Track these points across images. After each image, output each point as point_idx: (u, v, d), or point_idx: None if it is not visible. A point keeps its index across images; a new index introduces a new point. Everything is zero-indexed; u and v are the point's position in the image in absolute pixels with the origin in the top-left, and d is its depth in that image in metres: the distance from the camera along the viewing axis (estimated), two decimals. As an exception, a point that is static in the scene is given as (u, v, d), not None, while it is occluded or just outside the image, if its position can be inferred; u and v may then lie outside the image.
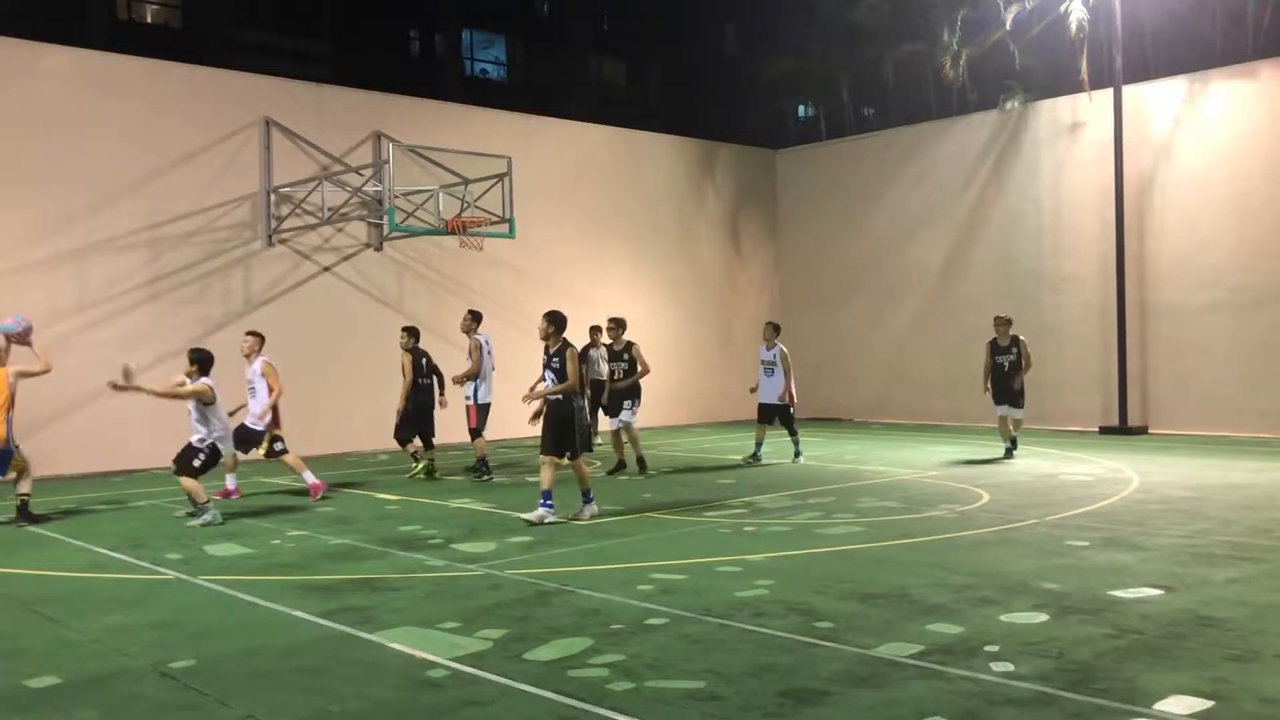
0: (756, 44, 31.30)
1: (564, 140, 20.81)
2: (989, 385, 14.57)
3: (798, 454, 14.48)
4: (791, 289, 24.00)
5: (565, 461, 9.92)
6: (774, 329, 14.68)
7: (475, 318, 13.38)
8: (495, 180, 15.77)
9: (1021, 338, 14.57)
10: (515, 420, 15.96)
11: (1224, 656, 5.32)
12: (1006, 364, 14.38)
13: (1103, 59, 19.23)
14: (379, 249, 17.88)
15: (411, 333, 13.49)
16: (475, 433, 13.17)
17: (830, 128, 25.30)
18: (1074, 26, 19.08)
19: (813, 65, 24.81)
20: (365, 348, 17.22)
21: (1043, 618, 6.13)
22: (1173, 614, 6.15)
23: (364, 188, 16.11)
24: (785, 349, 14.49)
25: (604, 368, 15.91)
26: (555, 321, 9.91)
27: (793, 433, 14.60)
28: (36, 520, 10.45)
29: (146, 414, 15.45)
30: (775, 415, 14.49)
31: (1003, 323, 14.58)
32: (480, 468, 13.10)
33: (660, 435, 17.80)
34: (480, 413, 13.13)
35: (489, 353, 13.29)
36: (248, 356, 11.88)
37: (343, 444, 16.65)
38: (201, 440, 10.22)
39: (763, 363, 14.52)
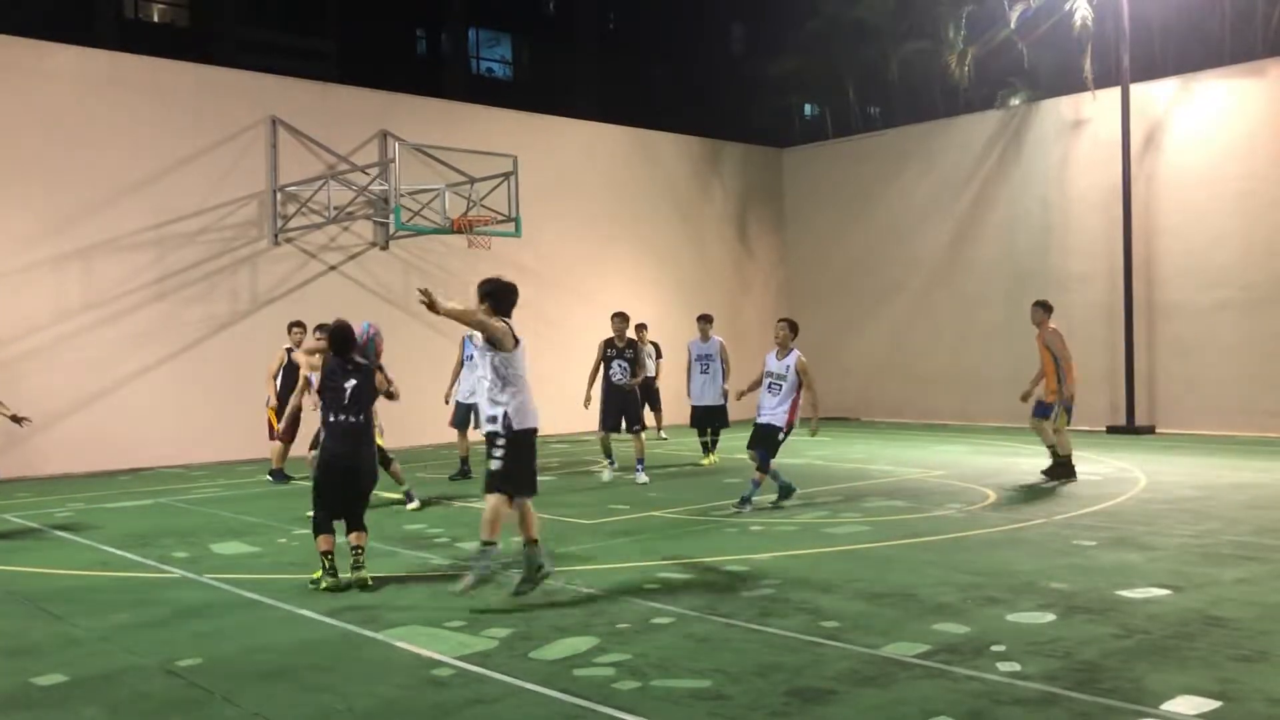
0: (762, 43, 31.29)
1: (570, 139, 20.80)
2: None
3: None
4: (798, 288, 23.97)
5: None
6: None
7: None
8: (501, 179, 15.77)
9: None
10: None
11: (1232, 657, 5.30)
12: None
13: (1110, 57, 19.19)
14: (385, 248, 17.89)
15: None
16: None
17: (836, 127, 25.25)
18: (1078, 24, 19.05)
19: (818, 64, 24.78)
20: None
21: (1049, 617, 6.12)
22: (1180, 614, 6.13)
23: (370, 187, 16.12)
24: None
25: (651, 365, 16.68)
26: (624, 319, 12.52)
27: None
28: None
29: (153, 412, 15.51)
30: None
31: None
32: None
33: (668, 433, 17.78)
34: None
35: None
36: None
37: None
38: None
39: None
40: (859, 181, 22.69)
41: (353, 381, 7.43)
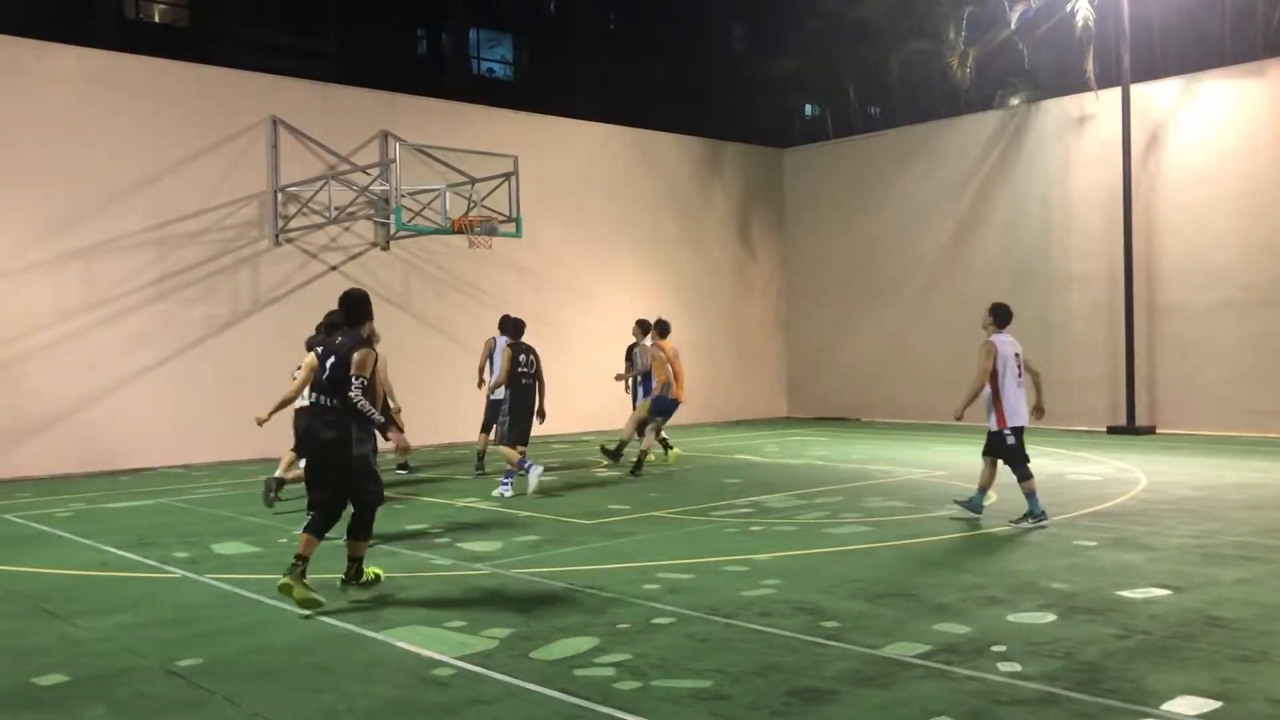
0: (762, 43, 31.30)
1: (571, 139, 20.80)
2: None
3: None
4: (799, 288, 23.98)
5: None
6: None
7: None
8: (502, 179, 15.78)
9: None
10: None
11: (1232, 657, 5.31)
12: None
13: (1111, 57, 19.20)
14: (386, 248, 17.87)
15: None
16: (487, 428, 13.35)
17: (837, 127, 25.27)
18: (1079, 25, 19.07)
19: (818, 64, 24.79)
20: (372, 346, 17.20)
21: (1050, 617, 6.12)
22: (1181, 614, 6.13)
23: (371, 187, 16.12)
24: None
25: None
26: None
27: None
28: None
29: (153, 412, 15.51)
30: None
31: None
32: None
33: (670, 434, 17.77)
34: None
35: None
36: None
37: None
38: None
39: None
40: (860, 182, 22.69)
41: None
